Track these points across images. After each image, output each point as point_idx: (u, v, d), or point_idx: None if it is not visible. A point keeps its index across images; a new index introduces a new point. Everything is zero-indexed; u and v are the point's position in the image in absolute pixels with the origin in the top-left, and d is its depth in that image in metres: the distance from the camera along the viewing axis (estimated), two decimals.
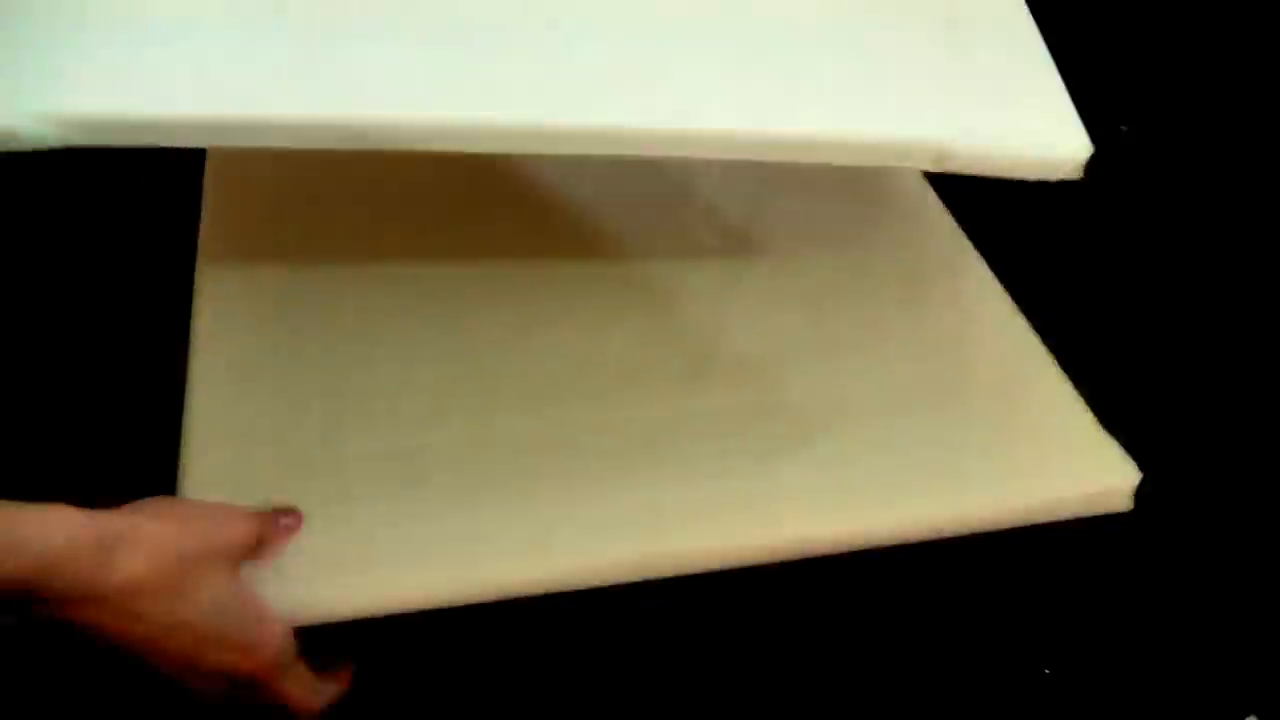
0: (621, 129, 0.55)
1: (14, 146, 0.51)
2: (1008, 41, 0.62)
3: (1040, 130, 0.58)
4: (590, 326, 0.64)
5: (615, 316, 0.65)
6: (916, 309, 0.68)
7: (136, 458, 0.59)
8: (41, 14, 0.55)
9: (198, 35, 0.56)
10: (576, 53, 0.57)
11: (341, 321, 0.64)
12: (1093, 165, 0.75)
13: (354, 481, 0.56)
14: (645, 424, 0.59)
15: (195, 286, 0.65)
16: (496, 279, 0.68)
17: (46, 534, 0.43)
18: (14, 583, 0.42)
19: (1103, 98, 0.91)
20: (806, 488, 0.56)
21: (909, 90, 0.58)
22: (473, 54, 0.57)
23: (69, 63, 0.53)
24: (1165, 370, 0.67)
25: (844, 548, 0.54)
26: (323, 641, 0.51)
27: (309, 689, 0.50)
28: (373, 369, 0.62)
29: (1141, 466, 0.57)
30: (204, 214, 0.70)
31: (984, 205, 0.71)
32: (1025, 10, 0.65)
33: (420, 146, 0.54)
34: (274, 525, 0.51)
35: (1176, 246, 0.77)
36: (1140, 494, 0.57)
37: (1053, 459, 0.58)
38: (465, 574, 0.52)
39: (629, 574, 0.53)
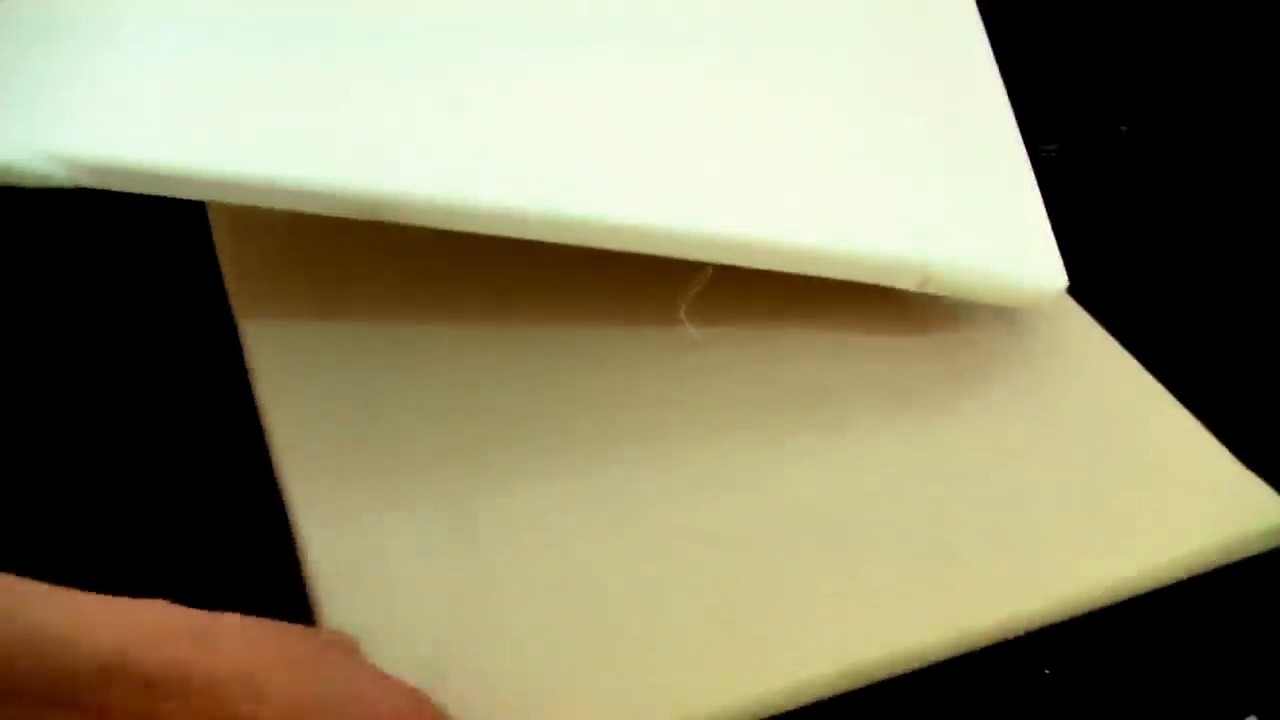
0: (601, 223, 0.55)
1: (21, 183, 0.51)
2: (999, 168, 0.64)
3: (1020, 263, 0.60)
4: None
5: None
6: (1016, 353, 0.65)
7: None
8: (60, 51, 0.55)
9: (219, 84, 0.56)
10: (571, 144, 0.58)
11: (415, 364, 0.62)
12: (1092, 165, 0.75)
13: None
14: (776, 521, 0.56)
15: (240, 331, 0.64)
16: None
17: (139, 612, 0.39)
18: (100, 663, 0.36)
19: (1103, 98, 0.91)
20: (968, 577, 0.54)
21: (900, 211, 0.60)
22: (479, 137, 0.57)
23: (86, 103, 0.54)
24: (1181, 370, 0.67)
25: (1019, 631, 0.53)
26: None
27: None
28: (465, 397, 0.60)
29: None
30: (219, 249, 0.69)
31: None
32: (1017, 135, 0.66)
33: (438, 225, 0.55)
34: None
35: (1176, 247, 0.77)
36: None
37: (1203, 506, 0.57)
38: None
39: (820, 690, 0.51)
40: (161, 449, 0.62)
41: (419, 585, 0.53)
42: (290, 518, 0.56)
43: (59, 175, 0.52)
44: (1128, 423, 0.61)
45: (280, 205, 0.54)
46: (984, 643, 0.53)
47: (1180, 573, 0.56)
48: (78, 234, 0.72)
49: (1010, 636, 0.53)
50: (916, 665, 0.52)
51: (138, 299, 0.69)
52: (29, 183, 0.52)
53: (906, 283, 0.59)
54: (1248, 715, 0.55)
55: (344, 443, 0.59)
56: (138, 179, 0.53)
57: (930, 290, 0.60)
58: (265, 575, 0.56)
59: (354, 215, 0.54)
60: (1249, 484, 0.59)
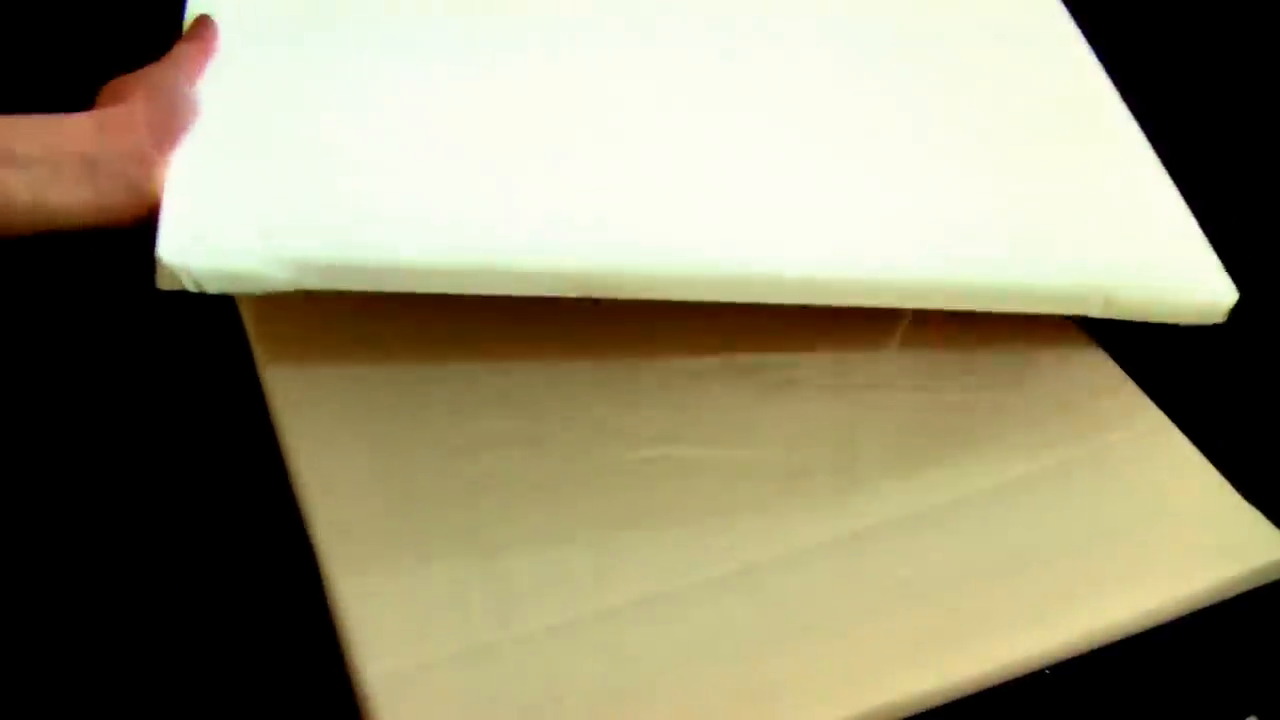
0: (778, 276, 0.57)
1: (246, 290, 0.52)
2: (1148, 190, 0.65)
3: (1194, 279, 0.62)
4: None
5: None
6: (1026, 391, 0.66)
7: None
8: (272, 158, 0.55)
9: (415, 181, 0.56)
10: (741, 204, 0.59)
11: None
12: None
13: None
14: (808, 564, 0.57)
15: (259, 368, 0.63)
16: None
17: None
18: None
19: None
20: (976, 618, 0.55)
21: (1076, 241, 0.61)
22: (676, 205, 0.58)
23: (291, 204, 0.54)
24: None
25: (1026, 670, 0.54)
26: None
27: None
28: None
29: None
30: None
31: None
32: (1154, 156, 0.67)
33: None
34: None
35: None
36: None
37: (1209, 545, 0.58)
38: None
39: None
40: (182, 480, 0.62)
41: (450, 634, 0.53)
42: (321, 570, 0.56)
43: (281, 279, 0.52)
44: (1136, 459, 0.62)
45: (508, 291, 0.54)
46: (992, 683, 0.53)
47: (1185, 610, 0.56)
48: (96, 278, 0.72)
49: (1017, 675, 0.54)
50: (929, 706, 0.53)
51: (159, 340, 0.69)
52: (253, 289, 0.52)
53: (1092, 310, 0.60)
54: (1248, 715, 0.55)
55: (367, 480, 0.59)
56: (363, 276, 0.53)
57: (1112, 314, 0.60)
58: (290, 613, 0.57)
59: (574, 293, 0.55)
60: (1253, 521, 0.59)
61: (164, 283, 0.50)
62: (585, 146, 0.59)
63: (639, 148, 0.60)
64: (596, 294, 0.55)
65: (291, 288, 0.52)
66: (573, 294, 0.55)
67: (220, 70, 0.57)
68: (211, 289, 0.51)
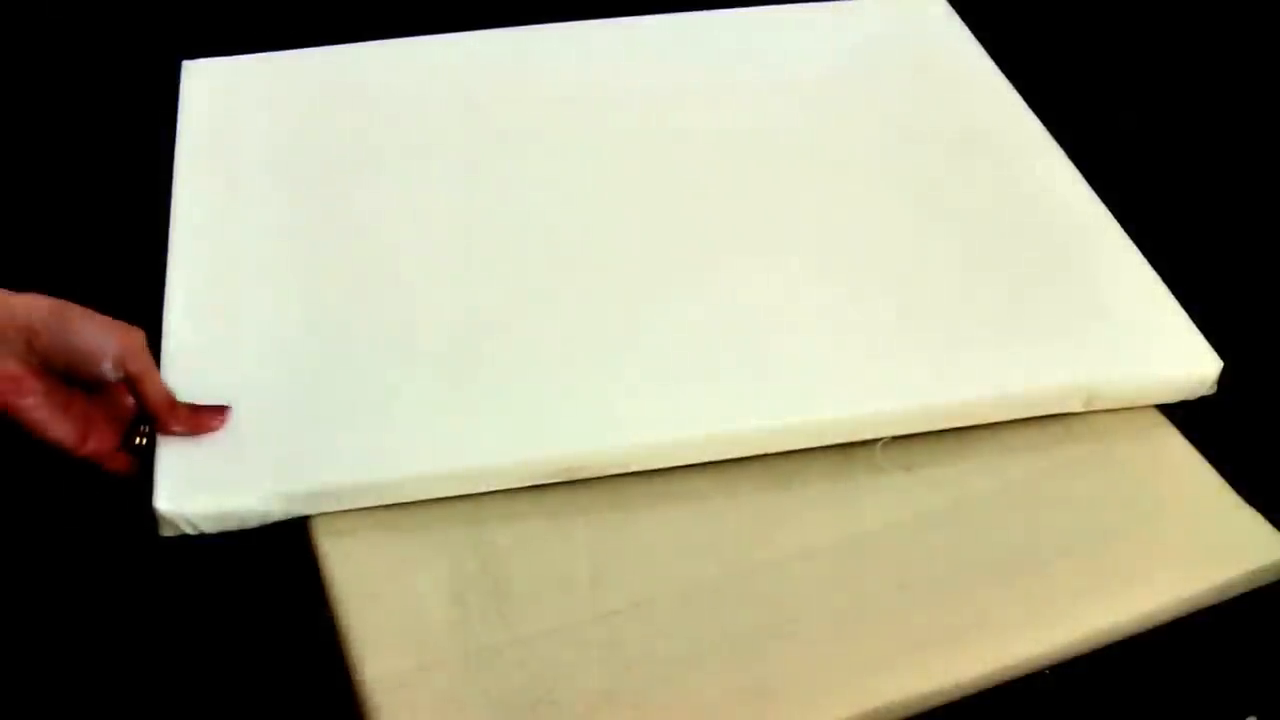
0: (796, 422, 0.59)
1: (240, 525, 0.55)
2: (1127, 277, 0.67)
3: (1175, 357, 0.63)
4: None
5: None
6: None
7: None
8: (251, 399, 0.58)
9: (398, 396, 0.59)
10: (757, 357, 0.62)
11: None
12: (1092, 154, 0.74)
13: None
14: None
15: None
16: None
17: None
18: None
19: (1103, 85, 0.91)
20: (976, 620, 0.54)
21: (1053, 344, 0.63)
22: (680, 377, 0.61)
23: (304, 442, 0.57)
24: None
25: (1027, 670, 0.54)
26: None
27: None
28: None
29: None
30: None
31: None
32: (1128, 240, 0.69)
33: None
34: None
35: (1179, 237, 0.76)
36: None
37: (1208, 546, 0.58)
38: None
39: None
40: None
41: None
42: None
43: (276, 512, 0.55)
44: (1135, 460, 0.62)
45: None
46: (992, 683, 0.53)
47: (1185, 610, 0.56)
48: None
49: (1017, 675, 0.54)
50: (929, 707, 0.53)
51: None
52: (248, 524, 0.55)
53: (1073, 405, 0.61)
54: (1248, 715, 0.55)
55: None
56: (351, 494, 0.56)
57: (1097, 406, 0.62)
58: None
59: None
60: (1253, 521, 0.59)
61: (165, 530, 0.54)
62: (559, 339, 0.62)
63: (619, 329, 0.63)
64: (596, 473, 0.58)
65: (285, 517, 0.56)
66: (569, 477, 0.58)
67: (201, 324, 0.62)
68: (209, 529, 0.55)
